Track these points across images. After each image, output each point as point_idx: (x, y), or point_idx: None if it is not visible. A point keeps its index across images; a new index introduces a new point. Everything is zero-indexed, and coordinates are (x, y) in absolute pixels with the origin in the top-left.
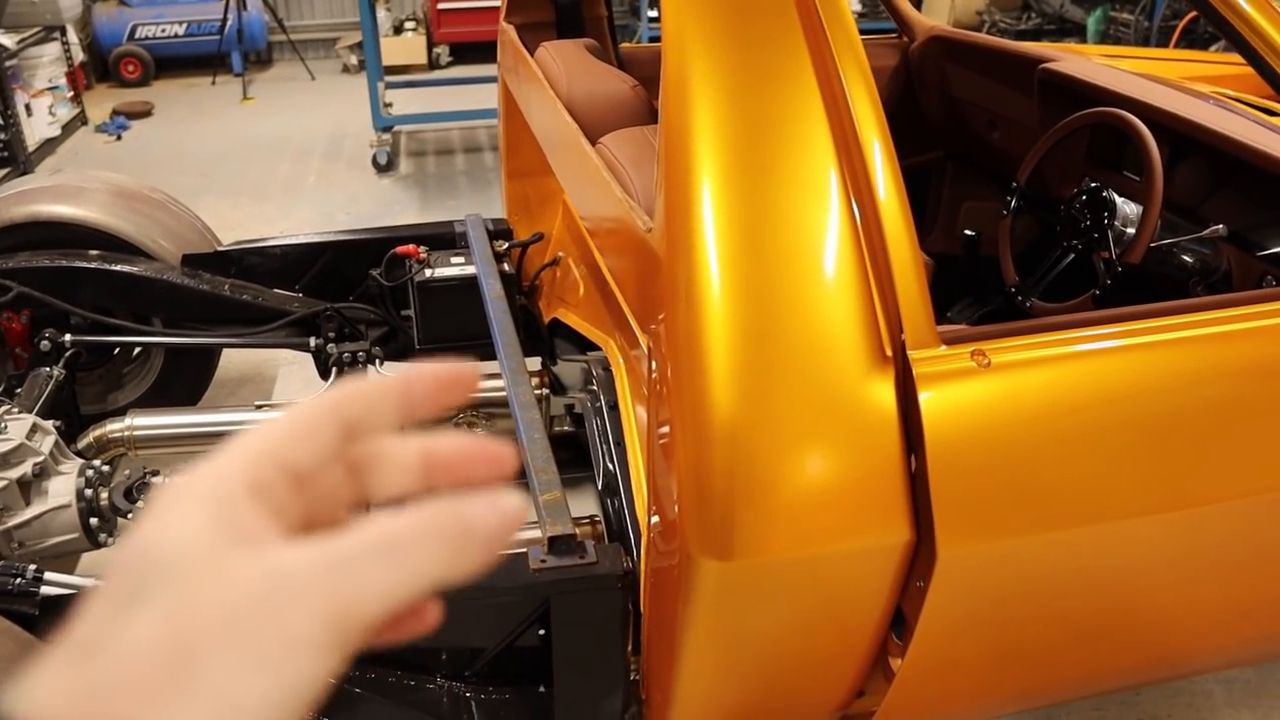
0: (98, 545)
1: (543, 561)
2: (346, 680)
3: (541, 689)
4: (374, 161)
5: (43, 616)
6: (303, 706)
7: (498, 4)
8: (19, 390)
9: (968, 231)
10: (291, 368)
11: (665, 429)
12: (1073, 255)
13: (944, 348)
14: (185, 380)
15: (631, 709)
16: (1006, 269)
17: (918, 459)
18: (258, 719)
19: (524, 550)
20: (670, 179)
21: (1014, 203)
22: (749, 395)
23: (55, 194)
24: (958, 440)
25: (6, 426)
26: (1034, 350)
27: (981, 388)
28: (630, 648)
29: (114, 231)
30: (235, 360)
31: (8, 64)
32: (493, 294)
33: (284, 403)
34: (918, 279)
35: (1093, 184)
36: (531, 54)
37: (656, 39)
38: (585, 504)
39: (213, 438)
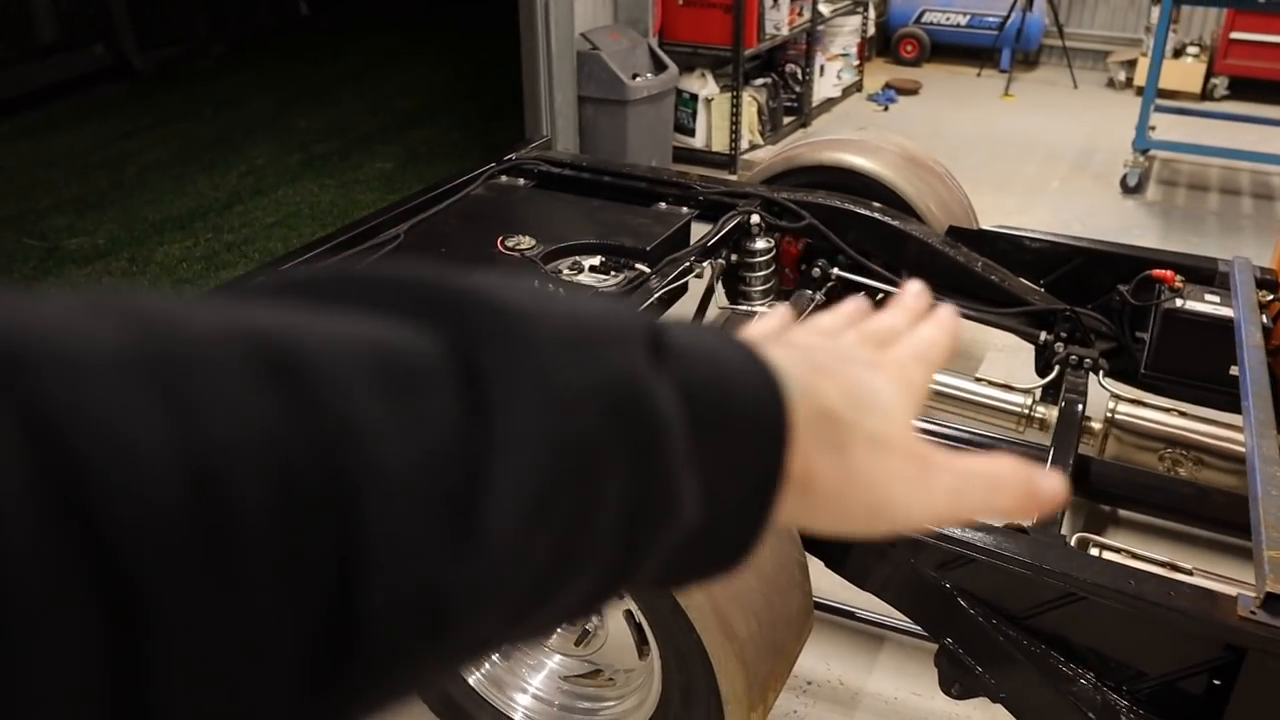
0: None
1: (1251, 613)
2: (1012, 643)
3: None
4: (1123, 181)
5: None
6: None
7: None
8: (785, 303)
9: None
10: (999, 355)
11: None
12: None
13: None
14: None
15: None
16: None
17: None
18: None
19: (1235, 594)
20: None
21: None
22: None
23: (858, 148)
24: None
25: None
26: None
27: None
28: None
29: (896, 189)
30: None
31: (817, 28)
32: (1250, 341)
33: (1003, 383)
34: None
35: None
36: None
37: None
38: None
39: (930, 395)
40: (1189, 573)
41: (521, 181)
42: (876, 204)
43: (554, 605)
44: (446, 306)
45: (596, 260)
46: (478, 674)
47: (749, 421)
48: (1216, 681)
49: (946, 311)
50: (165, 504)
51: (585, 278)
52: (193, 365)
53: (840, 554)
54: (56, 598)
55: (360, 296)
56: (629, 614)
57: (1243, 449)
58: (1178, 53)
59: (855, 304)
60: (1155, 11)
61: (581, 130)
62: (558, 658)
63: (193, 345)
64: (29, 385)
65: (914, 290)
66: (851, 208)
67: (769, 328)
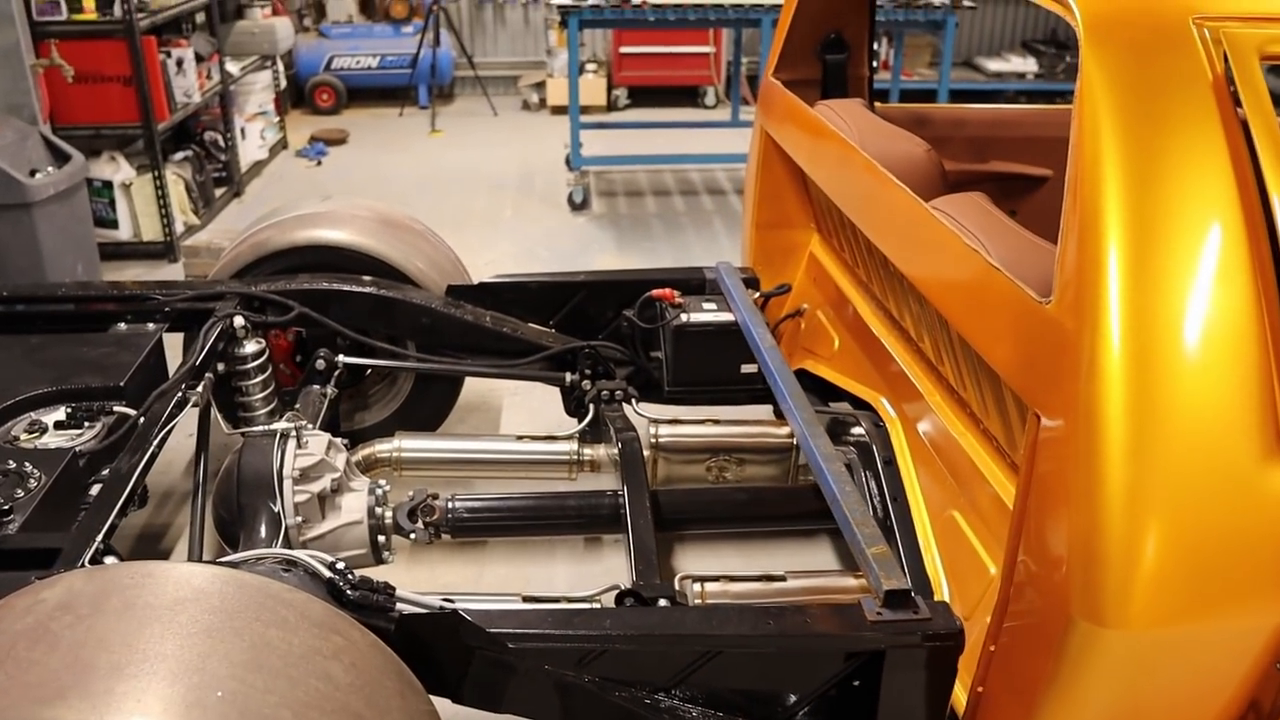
0: (380, 561)
1: (878, 614)
2: (666, 714)
3: None
4: (570, 200)
5: (398, 632)
6: None
7: (675, 51)
8: (297, 406)
9: None
10: (515, 398)
11: (1046, 494)
12: None
13: None
14: (430, 405)
15: None
16: None
17: None
18: None
19: (856, 601)
20: (1084, 257)
21: None
22: (1148, 468)
23: (329, 220)
24: None
25: (308, 442)
26: None
27: None
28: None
29: (382, 258)
30: (464, 389)
31: (230, 89)
32: (765, 344)
33: (545, 435)
34: None
35: None
36: None
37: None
38: (821, 555)
39: (475, 464)
40: (783, 579)
41: None
42: (366, 277)
43: None
44: None
45: (61, 414)
46: None
47: None
48: (856, 682)
49: None
50: None
51: (52, 438)
52: None
53: (456, 684)
54: None
55: None
56: None
57: (774, 439)
58: (580, 70)
59: None
60: (554, 35)
61: None
62: None
63: None
64: None
65: None
66: (340, 287)
67: None
